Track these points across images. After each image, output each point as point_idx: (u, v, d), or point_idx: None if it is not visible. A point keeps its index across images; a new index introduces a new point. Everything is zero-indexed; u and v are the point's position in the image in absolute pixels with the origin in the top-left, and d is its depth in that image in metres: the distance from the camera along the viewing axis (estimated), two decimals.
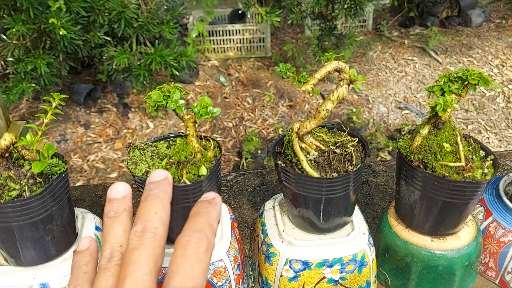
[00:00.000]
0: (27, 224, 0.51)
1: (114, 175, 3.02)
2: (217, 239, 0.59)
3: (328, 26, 3.25)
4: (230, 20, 4.07)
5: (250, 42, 3.98)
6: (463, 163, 0.55)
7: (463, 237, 0.63)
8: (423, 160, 0.56)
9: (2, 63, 2.53)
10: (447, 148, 0.55)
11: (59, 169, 0.54)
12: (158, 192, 0.41)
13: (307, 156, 0.56)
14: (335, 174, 0.54)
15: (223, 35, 3.90)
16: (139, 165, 0.54)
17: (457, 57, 3.96)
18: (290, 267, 0.59)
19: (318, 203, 0.58)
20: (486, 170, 0.56)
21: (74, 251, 0.41)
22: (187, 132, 0.54)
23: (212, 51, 3.95)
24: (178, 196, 0.51)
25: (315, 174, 0.54)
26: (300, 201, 0.58)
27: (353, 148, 0.57)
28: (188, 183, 0.51)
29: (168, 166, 0.54)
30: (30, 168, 0.51)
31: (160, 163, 0.54)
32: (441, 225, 0.60)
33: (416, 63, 4.00)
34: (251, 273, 0.66)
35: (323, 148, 0.57)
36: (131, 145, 0.56)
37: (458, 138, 0.56)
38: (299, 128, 0.56)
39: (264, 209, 0.66)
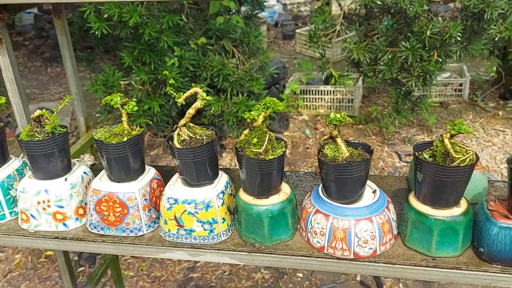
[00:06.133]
0: (41, 155, 1.07)
1: None
2: (136, 182, 1.08)
3: (403, 91, 3.51)
4: (326, 81, 4.57)
5: (340, 102, 4.40)
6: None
7: (272, 200, 1.00)
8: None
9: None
10: None
11: (60, 132, 1.10)
12: None
13: (180, 137, 1.02)
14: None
15: (315, 94, 4.40)
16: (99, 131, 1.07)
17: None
18: (167, 201, 1.04)
19: (189, 167, 1.02)
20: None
21: None
22: (123, 119, 1.05)
23: (305, 107, 4.46)
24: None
25: (178, 146, 0.99)
26: (178, 166, 1.04)
27: (205, 137, 1.01)
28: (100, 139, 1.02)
29: (108, 135, 1.05)
30: (45, 128, 1.07)
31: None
32: (262, 190, 0.99)
33: (507, 134, 3.93)
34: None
35: (191, 135, 1.02)
36: (99, 124, 1.09)
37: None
38: (179, 123, 1.03)
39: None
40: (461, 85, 4.38)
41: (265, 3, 4.02)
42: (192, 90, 1.00)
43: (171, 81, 3.17)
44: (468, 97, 4.44)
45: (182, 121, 1.02)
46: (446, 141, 0.91)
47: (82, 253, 2.97)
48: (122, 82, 3.38)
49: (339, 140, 1.00)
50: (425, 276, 0.97)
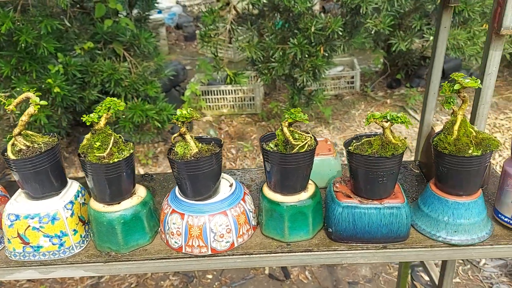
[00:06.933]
0: None
1: None
2: None
3: (297, 86, 3.63)
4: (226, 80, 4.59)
5: (242, 101, 4.44)
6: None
7: (124, 205, 0.97)
8: None
9: (14, 115, 3.17)
10: None
11: None
12: None
13: (15, 148, 0.95)
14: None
15: (217, 94, 4.40)
16: None
17: (436, 116, 4.15)
18: (8, 218, 0.96)
19: (29, 179, 0.95)
20: None
21: None
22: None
23: (208, 108, 4.45)
24: None
25: (13, 157, 0.92)
26: (18, 181, 0.97)
27: (45, 145, 0.95)
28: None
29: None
30: None
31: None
32: (112, 195, 0.95)
33: None
34: None
35: (29, 144, 0.96)
36: None
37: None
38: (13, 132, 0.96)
39: None
40: (352, 77, 4.63)
41: (156, 4, 3.94)
42: (23, 95, 0.93)
43: (56, 89, 2.98)
44: (360, 88, 4.71)
45: (16, 130, 0.95)
46: (285, 129, 0.94)
47: None
48: (2, 94, 3.11)
49: (187, 137, 0.99)
50: (282, 262, 0.99)
